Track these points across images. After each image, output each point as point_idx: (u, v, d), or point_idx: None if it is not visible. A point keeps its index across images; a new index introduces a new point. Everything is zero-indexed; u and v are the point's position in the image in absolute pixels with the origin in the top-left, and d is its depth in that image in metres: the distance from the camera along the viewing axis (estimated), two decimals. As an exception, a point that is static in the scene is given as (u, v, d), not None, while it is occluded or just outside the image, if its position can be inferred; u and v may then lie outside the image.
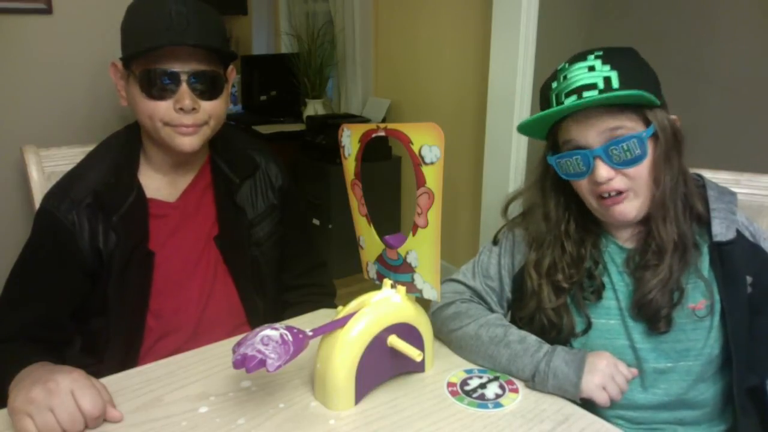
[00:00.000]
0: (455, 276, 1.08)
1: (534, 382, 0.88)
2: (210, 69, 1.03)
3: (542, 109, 0.94)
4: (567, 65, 0.92)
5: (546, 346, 0.90)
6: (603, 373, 0.86)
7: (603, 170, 0.89)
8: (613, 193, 0.91)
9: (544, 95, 0.95)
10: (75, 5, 1.55)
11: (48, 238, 1.04)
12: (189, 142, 1.04)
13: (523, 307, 1.00)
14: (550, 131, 0.97)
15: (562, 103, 0.90)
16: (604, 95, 0.86)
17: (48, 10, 1.52)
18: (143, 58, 0.99)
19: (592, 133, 0.89)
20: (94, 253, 1.03)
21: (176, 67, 0.99)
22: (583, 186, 0.94)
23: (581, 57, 0.91)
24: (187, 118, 1.02)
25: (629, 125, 0.89)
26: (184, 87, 1.00)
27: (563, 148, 0.94)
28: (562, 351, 0.89)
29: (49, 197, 1.05)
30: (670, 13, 2.71)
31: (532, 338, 0.92)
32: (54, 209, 1.03)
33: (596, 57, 0.89)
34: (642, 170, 0.90)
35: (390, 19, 3.12)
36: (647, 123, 0.89)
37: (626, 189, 0.91)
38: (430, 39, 2.86)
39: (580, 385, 0.85)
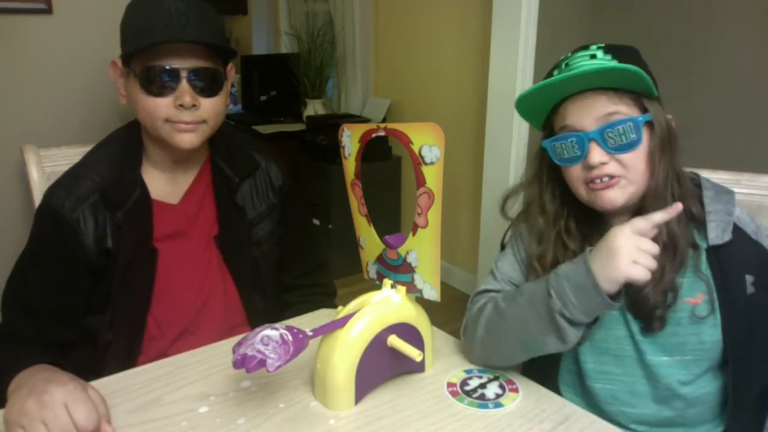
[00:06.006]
0: (479, 289, 1.04)
1: (552, 299, 0.82)
2: (209, 66, 1.03)
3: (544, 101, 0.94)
4: (570, 54, 0.92)
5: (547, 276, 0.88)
6: (624, 249, 0.80)
7: (596, 154, 0.89)
8: (605, 179, 0.90)
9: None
10: (75, 5, 1.55)
11: (52, 235, 1.03)
12: (188, 140, 1.04)
13: None
14: (546, 120, 0.97)
15: (566, 88, 0.90)
16: (605, 64, 0.86)
17: (48, 10, 1.52)
18: (143, 55, 0.99)
19: (589, 117, 0.89)
20: (99, 250, 1.03)
21: (176, 64, 0.99)
22: (574, 173, 0.93)
23: (584, 47, 0.92)
24: (186, 115, 1.02)
25: (625, 111, 0.89)
26: (184, 84, 1.00)
27: (559, 134, 0.94)
28: (562, 265, 0.85)
29: (52, 194, 1.04)
30: (670, 13, 2.70)
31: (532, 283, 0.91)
32: (58, 206, 1.02)
33: (599, 48, 0.90)
34: (637, 158, 0.89)
35: (390, 19, 3.12)
36: (644, 112, 0.89)
37: (618, 175, 0.90)
38: (430, 39, 2.86)
39: (609, 273, 0.79)
